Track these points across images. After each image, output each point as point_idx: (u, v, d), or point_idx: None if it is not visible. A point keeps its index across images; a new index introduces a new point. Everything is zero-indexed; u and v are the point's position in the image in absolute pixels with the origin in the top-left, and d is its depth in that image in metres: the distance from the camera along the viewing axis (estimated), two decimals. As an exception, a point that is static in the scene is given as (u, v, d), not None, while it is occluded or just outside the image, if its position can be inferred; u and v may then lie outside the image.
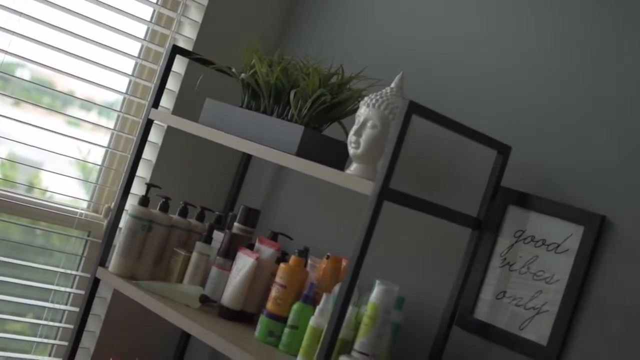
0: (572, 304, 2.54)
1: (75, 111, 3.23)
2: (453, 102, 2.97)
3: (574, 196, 2.62)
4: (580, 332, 2.53)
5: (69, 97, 3.19)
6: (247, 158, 3.53)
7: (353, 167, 2.61)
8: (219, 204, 3.59)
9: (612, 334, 2.46)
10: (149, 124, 3.16)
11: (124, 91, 3.36)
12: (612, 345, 2.46)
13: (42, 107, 3.10)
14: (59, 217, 3.22)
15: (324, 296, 2.66)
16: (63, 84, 3.20)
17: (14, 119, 3.03)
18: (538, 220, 2.67)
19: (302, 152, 2.72)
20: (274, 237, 3.08)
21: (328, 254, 2.85)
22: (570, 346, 2.54)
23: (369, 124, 2.57)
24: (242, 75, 2.98)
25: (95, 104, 3.23)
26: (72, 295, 3.39)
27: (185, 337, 3.53)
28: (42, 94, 3.16)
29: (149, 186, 3.14)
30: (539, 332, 2.61)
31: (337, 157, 2.85)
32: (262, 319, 2.78)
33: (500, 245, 2.75)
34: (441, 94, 3.01)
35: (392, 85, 2.64)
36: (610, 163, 2.57)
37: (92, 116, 3.30)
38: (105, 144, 3.36)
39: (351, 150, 2.60)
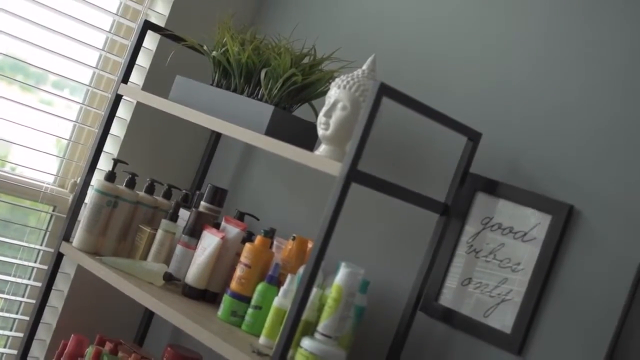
0: (537, 292, 2.54)
1: (48, 89, 3.19)
2: (425, 87, 2.96)
3: (542, 185, 2.61)
4: (545, 321, 2.52)
5: (42, 76, 3.15)
6: (216, 137, 3.51)
7: (322, 149, 2.59)
8: (187, 183, 3.56)
9: (576, 323, 2.46)
10: (117, 99, 3.13)
11: (94, 65, 3.33)
12: (575, 335, 2.45)
13: (14, 80, 3.06)
14: (24, 191, 3.19)
15: (289, 277, 2.65)
16: (36, 61, 3.15)
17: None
18: (506, 208, 2.67)
19: (271, 131, 2.70)
20: (240, 217, 3.06)
21: (294, 235, 2.83)
22: (534, 335, 2.53)
23: (339, 106, 2.55)
24: (214, 53, 2.95)
25: (66, 77, 3.19)
26: (35, 270, 3.35)
27: (149, 315, 3.50)
28: (15, 72, 3.12)
29: (116, 162, 3.11)
30: (503, 319, 2.60)
31: (306, 138, 2.83)
32: (226, 299, 2.75)
33: (467, 232, 2.74)
34: (413, 79, 2.99)
35: (364, 67, 2.62)
36: (580, 152, 2.56)
37: (64, 94, 3.26)
38: (74, 119, 3.32)
39: (320, 132, 2.58)
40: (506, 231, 2.65)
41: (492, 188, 2.69)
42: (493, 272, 2.64)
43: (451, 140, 2.85)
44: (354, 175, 2.32)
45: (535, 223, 2.60)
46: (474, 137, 2.67)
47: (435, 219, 2.83)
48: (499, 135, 2.74)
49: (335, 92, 2.57)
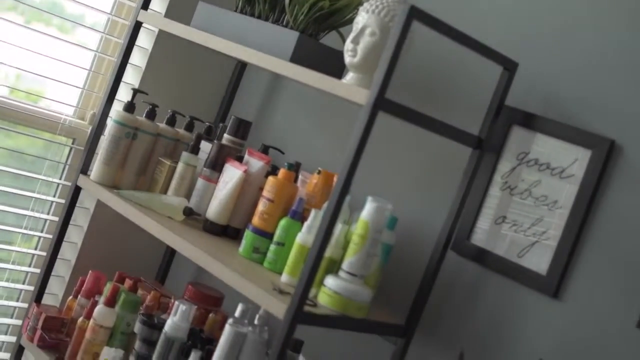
0: (575, 232, 2.42)
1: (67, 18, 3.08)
2: (459, 13, 2.82)
3: (582, 118, 2.48)
4: (582, 263, 2.41)
5: (61, 5, 3.05)
6: (241, 68, 3.40)
7: (349, 77, 2.47)
8: (210, 115, 3.45)
9: (616, 266, 2.34)
10: (137, 26, 3.02)
11: (114, -8, 3.22)
12: (615, 278, 2.34)
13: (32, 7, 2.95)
14: (42, 123, 3.09)
15: (313, 212, 2.52)
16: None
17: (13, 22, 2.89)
18: (543, 143, 2.54)
19: (297, 59, 2.59)
20: (264, 150, 2.95)
21: (319, 169, 2.71)
22: (571, 277, 2.42)
23: (367, 31, 2.43)
24: (237, -23, 2.83)
25: (87, 5, 3.07)
26: (54, 204, 3.26)
27: (171, 253, 3.42)
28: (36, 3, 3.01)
29: (135, 92, 2.99)
30: (538, 260, 2.49)
31: (333, 66, 2.73)
32: (247, 234, 2.64)
33: (501, 167, 2.62)
34: (446, 5, 2.85)
35: (395, -9, 2.48)
36: (623, 84, 2.44)
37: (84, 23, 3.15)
38: (94, 48, 3.21)
39: (347, 59, 2.46)
40: (543, 167, 2.53)
41: (529, 121, 2.57)
42: (528, 211, 2.52)
43: (486, 70, 2.73)
44: (381, 103, 2.19)
45: (574, 159, 2.47)
46: (510, 67, 2.55)
47: (468, 153, 2.71)
48: (537, 65, 2.61)
49: (363, 17, 2.44)
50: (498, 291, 2.55)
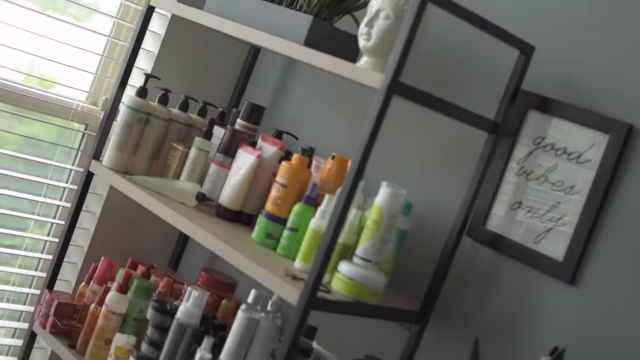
0: (592, 218, 2.39)
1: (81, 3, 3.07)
2: (475, -2, 2.79)
3: (599, 102, 2.45)
4: (600, 249, 2.38)
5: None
6: (254, 53, 3.37)
7: (363, 61, 2.45)
8: (223, 100, 3.42)
9: (633, 253, 2.31)
10: (150, 10, 2.99)
11: (127, -23, 3.19)
12: (632, 265, 2.31)
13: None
14: (55, 109, 3.08)
15: (327, 197, 2.50)
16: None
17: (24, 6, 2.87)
18: (560, 127, 2.51)
19: (310, 43, 2.57)
20: (278, 135, 2.93)
21: (333, 154, 2.69)
22: (587, 263, 2.39)
23: (381, 15, 2.40)
24: (251, -40, 2.80)
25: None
26: (66, 190, 3.25)
27: (184, 239, 3.40)
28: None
29: (148, 76, 2.97)
30: (555, 246, 2.46)
31: (347, 51, 2.71)
32: (261, 220, 2.62)
33: (517, 153, 2.59)
34: (463, -10, 2.83)
35: (410, -26, 2.45)
36: (642, 67, 2.39)
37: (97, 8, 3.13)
38: (107, 33, 3.19)
39: (362, 43, 2.43)
40: (560, 152, 2.50)
41: (545, 105, 2.53)
42: (545, 196, 2.49)
43: (502, 53, 2.70)
44: (396, 86, 2.17)
45: (591, 143, 2.44)
46: (526, 51, 2.52)
47: (483, 138, 2.68)
48: (554, 48, 2.58)
49: (377, 1, 2.43)
50: (514, 277, 2.52)
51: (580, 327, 2.37)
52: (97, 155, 3.01)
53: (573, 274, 2.40)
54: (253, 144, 2.85)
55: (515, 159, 2.59)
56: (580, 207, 2.43)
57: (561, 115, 2.51)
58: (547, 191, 2.50)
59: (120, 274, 2.92)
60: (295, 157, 2.64)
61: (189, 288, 2.58)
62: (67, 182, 3.24)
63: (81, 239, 3.29)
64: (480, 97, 2.72)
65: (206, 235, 2.51)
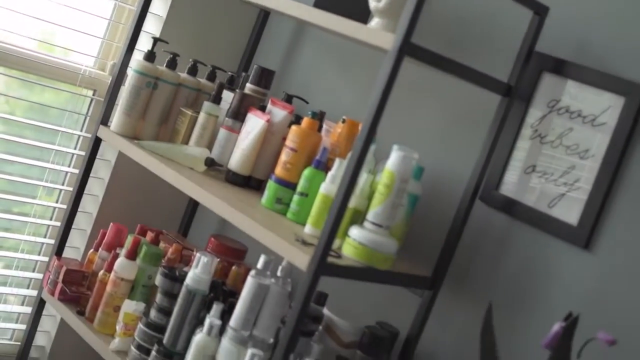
0: (607, 182, 2.36)
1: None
2: (488, -42, 2.75)
3: (615, 64, 2.41)
4: (615, 214, 2.35)
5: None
6: (264, 15, 3.34)
7: (374, 22, 2.41)
8: (232, 64, 3.39)
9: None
10: (157, -27, 2.95)
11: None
12: (648, 226, 2.27)
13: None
14: (62, 74, 3.04)
15: (337, 161, 2.46)
16: None
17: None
18: (574, 90, 2.47)
19: (320, 4, 2.54)
20: (288, 99, 2.89)
21: (344, 117, 2.65)
22: (602, 228, 2.36)
23: (393, -25, 2.36)
24: None
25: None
26: (74, 156, 3.22)
27: (193, 205, 3.37)
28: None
29: (156, 41, 2.93)
30: (569, 211, 2.43)
31: (358, 12, 2.68)
32: (270, 185, 2.58)
33: (531, 116, 2.55)
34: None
35: None
36: (659, 27, 2.35)
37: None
38: (113, -4, 3.16)
39: (372, 4, 2.40)
40: (574, 115, 2.45)
41: (560, 68, 2.49)
42: (559, 160, 2.45)
43: (515, 15, 2.66)
44: (407, 48, 2.13)
45: (607, 106, 2.40)
46: (540, 11, 2.48)
47: (497, 101, 2.64)
48: (568, 9, 2.55)
49: (389, -40, 2.37)
50: (527, 242, 2.49)
51: (594, 292, 2.34)
52: (105, 121, 2.98)
53: (587, 239, 2.37)
54: (262, 108, 2.82)
55: (529, 122, 2.55)
56: (595, 170, 2.39)
57: (576, 78, 2.46)
58: (561, 155, 2.46)
59: (129, 241, 2.89)
60: (305, 121, 2.60)
61: (198, 254, 2.56)
62: (75, 149, 3.21)
63: (90, 206, 3.27)
64: (493, 60, 2.68)
65: (215, 200, 2.48)
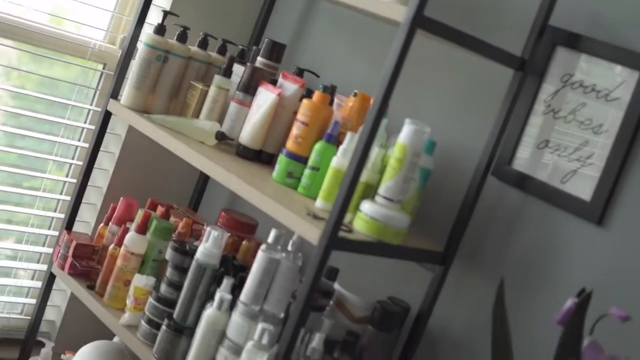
0: (621, 157, 2.34)
1: None
2: None
3: (630, 38, 2.38)
4: (629, 189, 2.33)
5: None
6: (275, -11, 3.30)
7: (386, -5, 2.37)
8: (243, 38, 3.36)
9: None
10: (168, -55, 2.93)
11: None
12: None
13: None
14: (72, 47, 3.02)
15: (348, 135, 2.44)
16: None
17: None
18: (588, 64, 2.44)
19: (332, -23, 2.50)
20: (299, 73, 2.87)
21: (356, 91, 2.63)
22: (616, 204, 2.34)
23: (406, -53, 2.33)
24: None
25: None
26: (85, 130, 3.20)
27: (204, 179, 3.35)
28: None
29: (166, 14, 2.90)
30: (582, 186, 2.41)
31: None
32: (281, 159, 2.57)
33: (544, 90, 2.52)
34: None
35: None
36: (675, 0, 2.32)
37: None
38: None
39: (385, -24, 2.36)
40: (588, 89, 2.43)
41: (574, 42, 2.47)
42: (573, 135, 2.43)
43: (530, -11, 2.62)
44: (420, 20, 2.10)
45: (621, 81, 2.38)
46: (555, -16, 2.44)
47: (509, 75, 2.62)
48: (584, -18, 2.50)
49: None
50: (540, 217, 2.47)
51: (607, 268, 2.32)
52: (115, 95, 2.96)
53: (601, 215, 2.35)
54: (273, 82, 2.80)
55: (542, 97, 2.53)
56: (609, 146, 2.37)
57: (590, 52, 2.44)
58: (574, 130, 2.44)
59: (140, 215, 2.88)
60: (316, 95, 2.59)
61: (208, 228, 2.54)
62: (85, 123, 3.20)
63: (100, 180, 3.25)
64: (506, 33, 2.65)
65: (226, 174, 2.46)
